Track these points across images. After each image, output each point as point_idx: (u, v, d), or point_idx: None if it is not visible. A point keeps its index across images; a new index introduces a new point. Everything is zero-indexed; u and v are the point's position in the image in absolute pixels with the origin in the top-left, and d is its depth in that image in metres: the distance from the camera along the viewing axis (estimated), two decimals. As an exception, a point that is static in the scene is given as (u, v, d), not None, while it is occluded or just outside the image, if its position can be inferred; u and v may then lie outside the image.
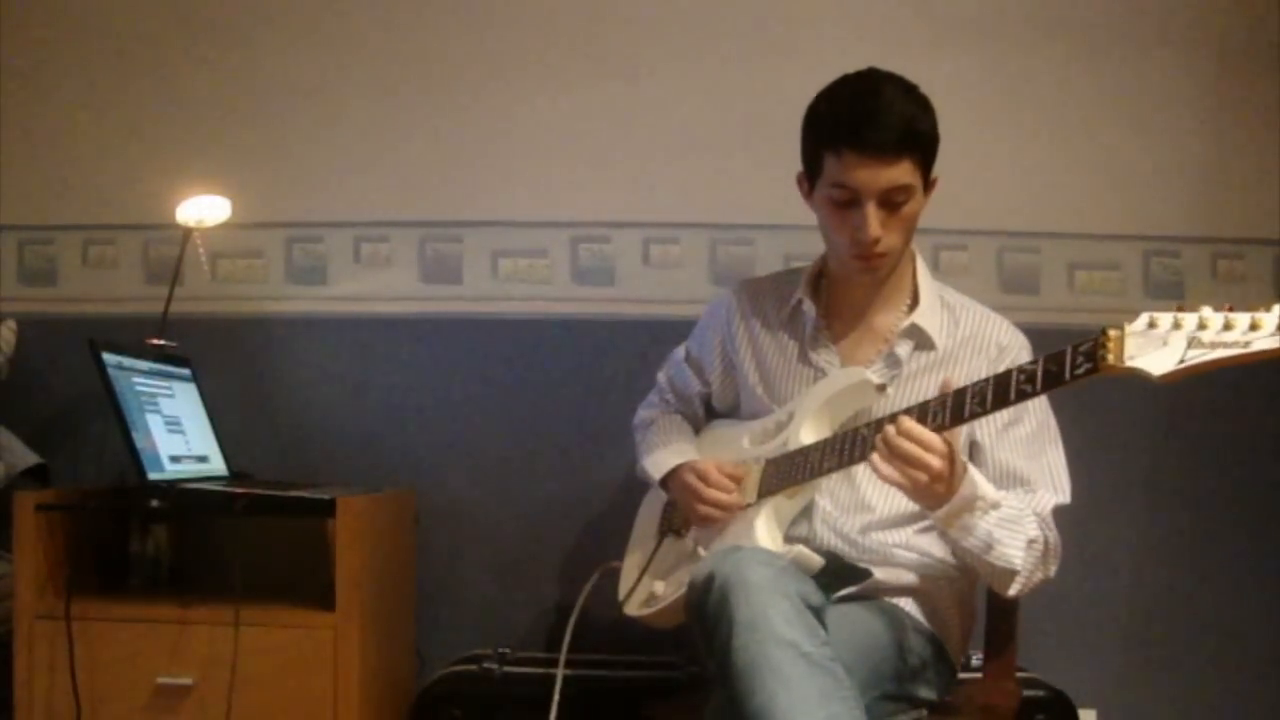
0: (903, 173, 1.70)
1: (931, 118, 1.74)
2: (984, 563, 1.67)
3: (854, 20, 2.56)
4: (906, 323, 1.83)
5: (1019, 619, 1.91)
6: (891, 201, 1.72)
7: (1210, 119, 2.56)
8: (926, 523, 1.80)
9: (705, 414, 2.10)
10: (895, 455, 1.57)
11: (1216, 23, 2.56)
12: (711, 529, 1.85)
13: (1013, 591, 1.70)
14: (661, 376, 2.15)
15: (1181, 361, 1.34)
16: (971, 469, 1.63)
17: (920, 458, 1.56)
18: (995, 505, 1.64)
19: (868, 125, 1.68)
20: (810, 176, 1.80)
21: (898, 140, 1.68)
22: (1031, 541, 1.68)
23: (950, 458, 1.58)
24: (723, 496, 1.81)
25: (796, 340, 1.91)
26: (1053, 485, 1.78)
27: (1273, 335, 1.30)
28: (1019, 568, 1.66)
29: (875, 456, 1.60)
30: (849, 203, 1.73)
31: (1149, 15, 2.56)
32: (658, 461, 1.98)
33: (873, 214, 1.71)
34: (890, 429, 1.58)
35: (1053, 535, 1.74)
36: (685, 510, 1.90)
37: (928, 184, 1.77)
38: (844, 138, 1.70)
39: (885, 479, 1.60)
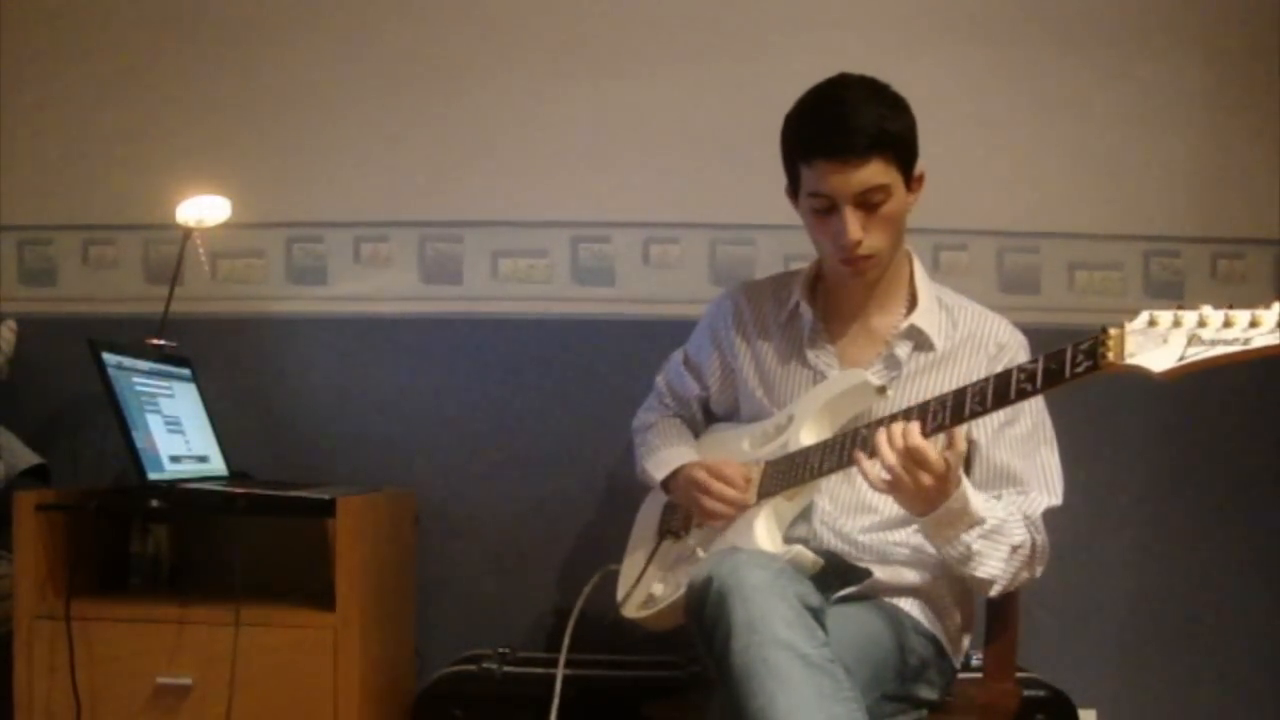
0: (875, 173, 1.71)
1: (903, 116, 1.76)
2: (961, 571, 1.70)
3: (854, 20, 2.56)
4: (905, 324, 1.83)
5: (1019, 619, 1.91)
6: (869, 203, 1.73)
7: (1210, 119, 2.56)
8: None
9: (704, 418, 2.10)
10: (890, 462, 1.59)
11: (1216, 23, 2.56)
12: (710, 530, 1.85)
13: (992, 594, 1.73)
14: (660, 381, 2.16)
15: (1181, 359, 1.34)
16: (966, 484, 1.64)
17: (917, 473, 1.57)
18: (981, 522, 1.66)
19: (833, 132, 1.71)
20: (793, 190, 1.83)
21: (866, 143, 1.69)
22: (1015, 548, 1.70)
23: (945, 478, 1.59)
24: (731, 492, 1.81)
25: (795, 342, 1.91)
26: (1045, 486, 1.79)
27: (1272, 332, 1.30)
28: (996, 576, 1.69)
29: (859, 455, 1.62)
30: (828, 210, 1.75)
31: (1149, 15, 2.56)
32: (660, 462, 1.98)
33: (851, 217, 1.73)
34: (895, 431, 1.58)
35: (1040, 537, 1.75)
36: (691, 506, 1.90)
37: (911, 181, 1.78)
38: (813, 147, 1.74)
39: (871, 481, 1.61)
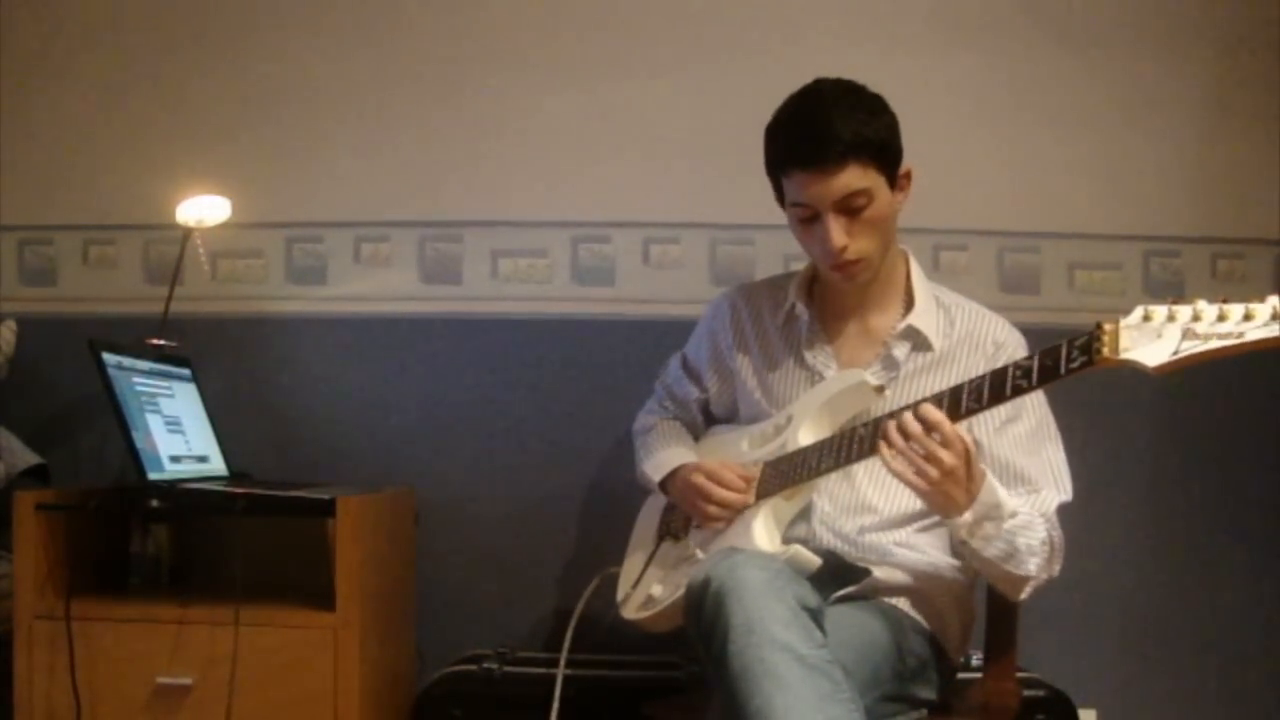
0: (853, 178, 1.71)
1: (880, 117, 1.75)
2: (1001, 570, 1.67)
3: (855, 20, 2.57)
4: (903, 325, 1.83)
5: (1019, 618, 1.91)
6: (851, 208, 1.73)
7: (1210, 119, 2.56)
8: (925, 522, 1.80)
9: (704, 420, 2.10)
10: (904, 447, 1.57)
11: (1216, 23, 2.56)
12: (710, 531, 1.85)
13: (1024, 596, 1.71)
14: (659, 384, 2.16)
15: (1176, 353, 1.35)
16: (990, 476, 1.63)
17: (932, 450, 1.55)
18: (1014, 513, 1.64)
19: (806, 142, 1.72)
20: (780, 200, 1.83)
21: (840, 150, 1.69)
22: (1041, 543, 1.68)
23: (966, 459, 1.57)
24: (732, 496, 1.81)
25: (793, 344, 1.91)
26: (1055, 483, 1.78)
27: (1267, 325, 1.30)
28: (1034, 574, 1.68)
29: (884, 448, 1.59)
30: (812, 218, 1.75)
31: (1149, 15, 2.56)
32: (658, 464, 1.98)
33: (834, 225, 1.73)
34: (907, 415, 1.57)
35: (1057, 534, 1.74)
36: (689, 510, 1.90)
37: (896, 181, 1.77)
38: (788, 159, 1.75)
39: (896, 474, 1.59)
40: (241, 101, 2.63)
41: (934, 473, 1.56)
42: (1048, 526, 1.72)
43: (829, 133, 1.70)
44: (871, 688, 1.61)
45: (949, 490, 1.57)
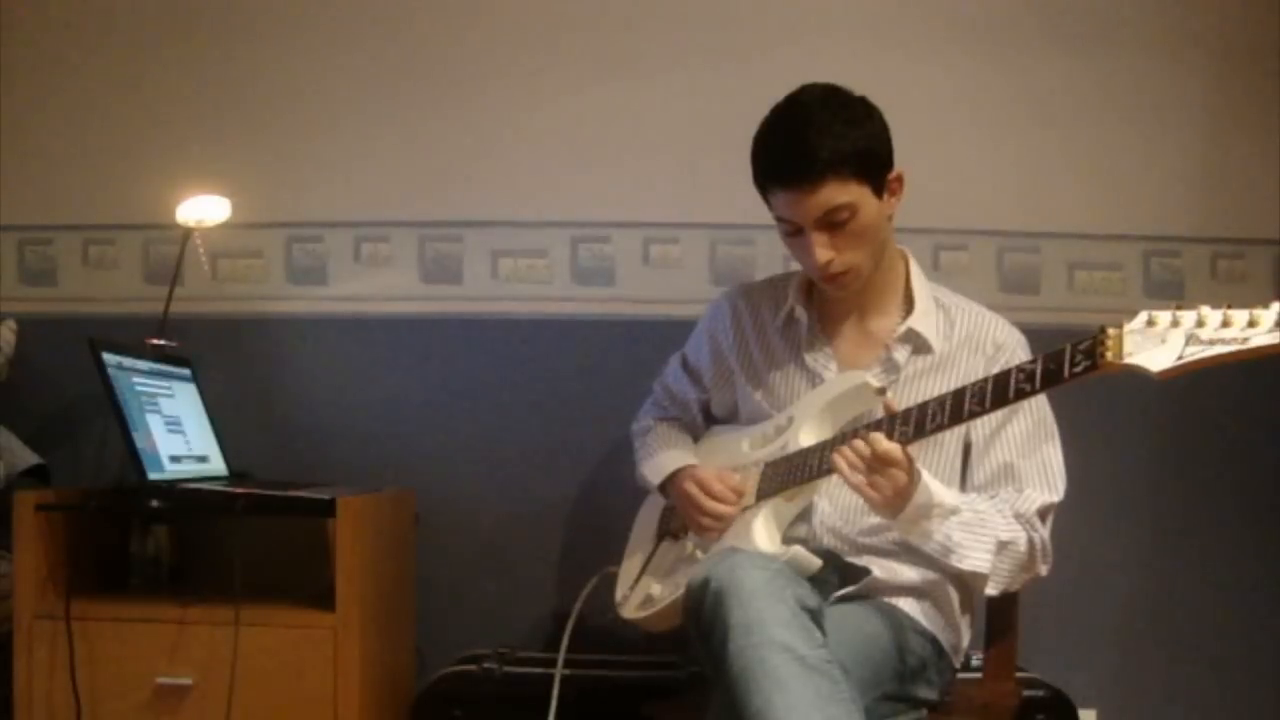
0: (832, 194, 1.70)
1: (862, 127, 1.73)
2: (948, 565, 1.69)
3: (855, 20, 2.56)
4: (903, 328, 1.83)
5: (1018, 618, 1.91)
6: (833, 222, 1.72)
7: (1210, 119, 2.56)
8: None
9: (704, 421, 2.10)
10: (862, 470, 1.61)
11: (1216, 23, 2.56)
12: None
13: (990, 592, 1.73)
14: (659, 384, 2.16)
15: (1180, 358, 1.35)
16: (926, 476, 1.65)
17: (887, 473, 1.59)
18: (954, 511, 1.66)
19: (784, 160, 1.72)
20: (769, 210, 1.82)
21: (818, 168, 1.68)
22: (1004, 544, 1.70)
23: (909, 469, 1.60)
24: (722, 508, 1.81)
25: (793, 345, 1.91)
26: (1045, 483, 1.79)
27: (1270, 331, 1.30)
28: (985, 570, 1.69)
29: (842, 463, 1.62)
30: (797, 232, 1.76)
31: (1149, 15, 2.56)
32: (657, 467, 1.99)
33: (816, 240, 1.73)
34: (860, 444, 1.60)
35: (1038, 535, 1.75)
36: (685, 518, 1.91)
37: (884, 187, 1.76)
38: (768, 176, 1.75)
39: (853, 486, 1.63)
40: (241, 101, 2.63)
41: (888, 490, 1.60)
42: (1024, 526, 1.74)
43: (805, 150, 1.69)
44: (871, 688, 1.61)
45: (894, 502, 1.62)
